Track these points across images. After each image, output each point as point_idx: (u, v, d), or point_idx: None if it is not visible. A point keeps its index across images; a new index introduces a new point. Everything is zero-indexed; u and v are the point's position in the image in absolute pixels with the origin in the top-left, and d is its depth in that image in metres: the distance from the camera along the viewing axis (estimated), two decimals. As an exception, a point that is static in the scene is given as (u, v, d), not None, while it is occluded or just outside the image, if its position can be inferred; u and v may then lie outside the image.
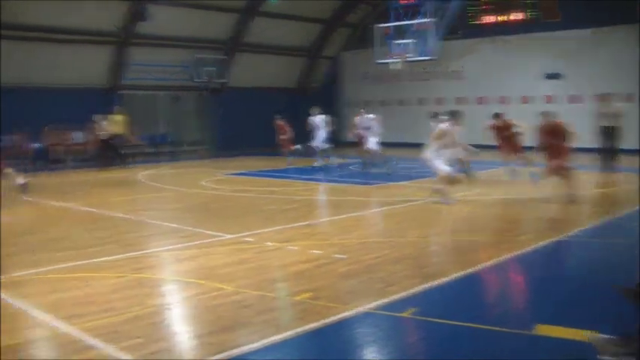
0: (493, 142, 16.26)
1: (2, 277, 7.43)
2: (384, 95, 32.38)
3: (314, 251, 8.54)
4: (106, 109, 24.13)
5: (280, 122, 22.87)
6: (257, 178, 18.53)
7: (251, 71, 30.75)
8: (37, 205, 13.94)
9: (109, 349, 5.09)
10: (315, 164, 20.79)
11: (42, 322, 5.88)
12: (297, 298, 6.48)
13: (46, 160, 24.36)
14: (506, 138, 15.91)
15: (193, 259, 8.48)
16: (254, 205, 13.13)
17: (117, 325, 5.70)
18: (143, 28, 25.98)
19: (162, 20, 25.90)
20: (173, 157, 27.79)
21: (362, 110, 20.79)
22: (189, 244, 9.37)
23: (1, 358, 5.00)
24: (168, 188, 16.50)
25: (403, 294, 6.50)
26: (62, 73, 24.91)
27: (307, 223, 11.18)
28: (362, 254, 8.38)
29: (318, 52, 33.58)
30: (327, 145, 21.37)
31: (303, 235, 9.87)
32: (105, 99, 25.93)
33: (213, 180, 17.88)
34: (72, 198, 14.74)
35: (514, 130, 15.99)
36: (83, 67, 25.63)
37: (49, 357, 5.21)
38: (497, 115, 16.45)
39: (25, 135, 23.64)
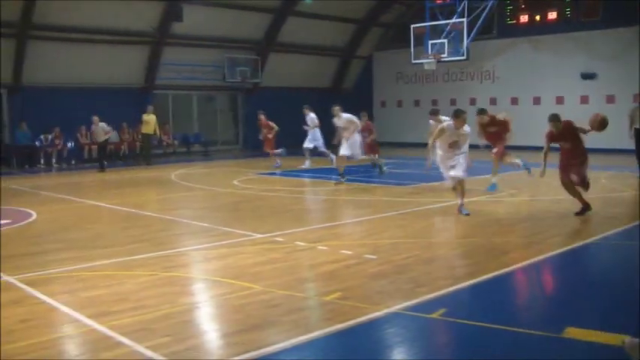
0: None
1: (35, 274, 7.54)
2: (418, 95, 32.24)
3: (344, 251, 8.51)
4: (142, 109, 24.39)
5: (263, 119, 22.00)
6: (288, 177, 18.55)
7: (284, 71, 30.81)
8: (71, 204, 14.11)
9: (138, 347, 5.12)
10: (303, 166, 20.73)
11: (73, 318, 5.94)
12: (327, 298, 6.46)
13: (80, 159, 24.69)
14: (493, 135, 14.41)
15: (223, 258, 8.51)
16: (284, 205, 13.14)
17: (146, 323, 5.73)
18: (178, 28, 26.19)
19: (196, 20, 26.10)
20: (205, 156, 27.95)
21: (364, 114, 20.20)
22: (220, 243, 9.40)
23: (32, 354, 5.06)
24: (199, 187, 16.59)
25: (433, 295, 6.45)
26: (99, 73, 25.22)
27: (337, 223, 11.16)
28: (392, 255, 8.34)
29: (351, 51, 33.50)
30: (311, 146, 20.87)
31: (333, 235, 9.85)
32: (141, 99, 26.21)
33: (245, 179, 17.95)
34: (106, 197, 14.89)
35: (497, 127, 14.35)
36: (119, 67, 25.91)
37: (79, 353, 5.26)
38: (482, 111, 14.66)
39: (61, 134, 24.01)
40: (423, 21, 25.32)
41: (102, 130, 22.50)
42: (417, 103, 31.91)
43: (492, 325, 5.54)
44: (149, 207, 13.35)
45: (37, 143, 23.93)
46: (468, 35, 23.86)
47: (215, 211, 12.82)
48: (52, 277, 7.49)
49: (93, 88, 25.03)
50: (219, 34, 28.06)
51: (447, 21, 24.48)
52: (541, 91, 27.71)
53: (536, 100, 27.67)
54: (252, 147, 29.36)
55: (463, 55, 24.28)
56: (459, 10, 24.17)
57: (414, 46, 25.65)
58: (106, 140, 23.15)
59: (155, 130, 24.44)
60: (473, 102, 28.95)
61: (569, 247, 8.77)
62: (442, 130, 11.55)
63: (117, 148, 25.91)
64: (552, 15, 27.62)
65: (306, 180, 17.89)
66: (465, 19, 23.85)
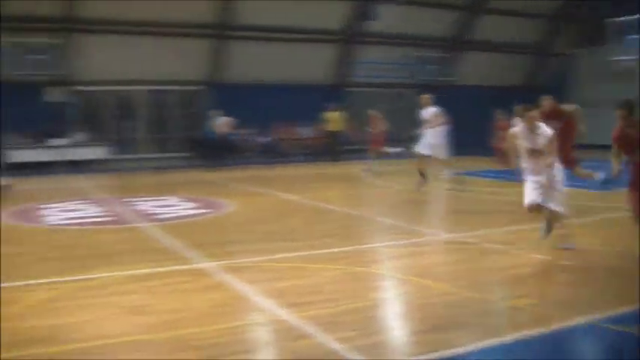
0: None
1: (229, 262, 7.89)
2: (618, 94, 30.30)
3: (537, 256, 8.14)
4: (331, 106, 24.91)
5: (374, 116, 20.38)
6: (480, 178, 18.10)
7: (475, 69, 30.23)
8: (266, 197, 14.70)
9: (324, 339, 5.17)
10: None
11: (262, 307, 6.14)
12: (515, 302, 6.20)
13: (274, 154, 25.65)
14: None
15: (409, 256, 8.45)
16: (475, 205, 12.83)
17: (333, 316, 5.79)
18: (368, 26, 26.51)
19: (385, 18, 26.25)
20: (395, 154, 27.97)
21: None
22: (406, 241, 9.34)
23: (221, 338, 5.27)
24: (388, 185, 16.64)
25: (634, 307, 5.98)
26: (289, 70, 26.09)
27: (531, 226, 10.73)
28: (590, 263, 7.84)
29: (546, 48, 32.19)
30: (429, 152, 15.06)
31: (525, 239, 9.45)
32: (330, 96, 26.79)
33: (434, 178, 17.74)
34: (298, 191, 15.33)
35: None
36: (309, 64, 26.65)
37: (266, 342, 5.43)
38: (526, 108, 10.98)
39: (254, 130, 25.10)
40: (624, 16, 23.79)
41: (224, 123, 23.20)
42: (612, 102, 30.09)
43: None
44: (337, 202, 13.58)
45: (233, 137, 25.18)
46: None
47: (402, 208, 12.80)
48: (245, 266, 7.81)
49: (286, 85, 25.92)
50: (409, 31, 28.02)
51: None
52: None
53: None
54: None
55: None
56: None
57: (612, 42, 24.10)
58: (229, 134, 23.66)
59: (343, 127, 24.80)
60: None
61: None
62: (513, 137, 8.64)
63: (307, 143, 26.60)
64: None
65: (500, 182, 17.37)
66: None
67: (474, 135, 22.10)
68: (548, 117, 10.72)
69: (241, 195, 14.77)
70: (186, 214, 12.27)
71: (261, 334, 5.63)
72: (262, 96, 25.10)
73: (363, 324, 5.60)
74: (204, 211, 12.52)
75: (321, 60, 27.17)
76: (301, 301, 6.24)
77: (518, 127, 8.59)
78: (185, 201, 13.77)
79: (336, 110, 24.67)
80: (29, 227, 11.17)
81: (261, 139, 25.87)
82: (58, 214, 12.29)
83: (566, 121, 11.25)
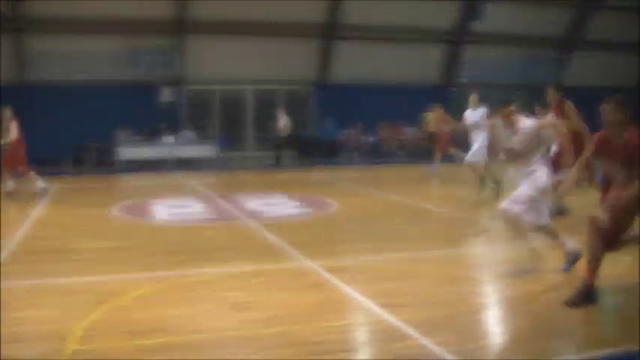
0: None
1: (333, 261, 7.88)
2: None
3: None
4: (433, 106, 24.57)
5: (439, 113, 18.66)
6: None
7: (589, 68, 29.14)
8: (369, 197, 14.67)
9: (426, 341, 5.09)
10: None
11: (364, 307, 6.11)
12: (629, 313, 5.87)
13: (379, 154, 25.57)
14: None
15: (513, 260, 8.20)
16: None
17: (435, 318, 5.70)
18: (476, 25, 26.05)
19: (494, 17, 25.71)
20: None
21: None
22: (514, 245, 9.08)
23: (324, 336, 5.26)
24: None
25: None
26: (396, 70, 25.95)
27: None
28: None
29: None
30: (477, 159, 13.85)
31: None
32: (436, 96, 26.44)
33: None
34: (402, 191, 15.20)
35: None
36: (416, 65, 26.42)
37: (368, 341, 5.42)
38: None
39: (359, 129, 25.09)
40: None
41: (284, 124, 23.15)
42: None
43: None
44: (441, 203, 13.37)
45: (339, 137, 25.27)
46: None
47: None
48: (349, 266, 7.82)
49: (391, 86, 25.79)
50: (519, 31, 27.33)
51: None
52: None
53: None
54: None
55: None
56: None
57: None
58: (287, 134, 23.53)
59: (442, 127, 24.34)
60: None
61: None
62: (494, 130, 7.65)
63: (411, 144, 26.37)
64: None
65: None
66: None
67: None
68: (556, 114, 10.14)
69: (345, 195, 14.78)
70: (290, 212, 12.39)
71: (362, 334, 5.62)
72: (368, 96, 25.08)
73: (465, 328, 5.50)
74: (308, 210, 12.61)
75: (428, 60, 26.92)
76: (403, 302, 6.17)
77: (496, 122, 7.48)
78: (290, 199, 13.89)
79: (436, 110, 24.28)
80: (138, 222, 11.54)
81: (367, 140, 25.87)
82: (165, 210, 12.65)
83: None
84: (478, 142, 13.51)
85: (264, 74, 25.44)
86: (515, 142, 7.03)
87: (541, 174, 7.00)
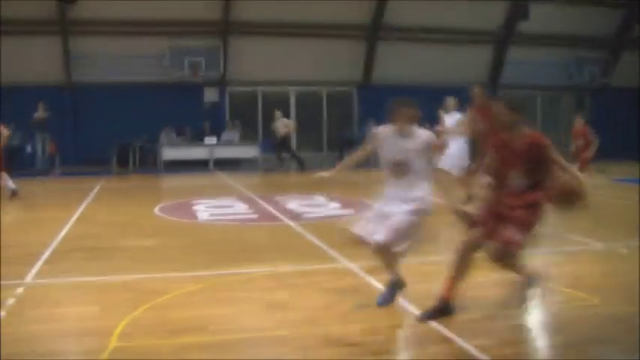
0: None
1: (372, 262, 7.83)
2: None
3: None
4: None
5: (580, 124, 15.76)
6: (632, 184, 17.04)
7: (632, 70, 28.58)
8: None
9: (465, 345, 5.04)
10: None
11: (404, 309, 6.08)
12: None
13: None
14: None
15: (560, 265, 8.09)
16: (625, 214, 12.08)
17: (475, 322, 5.64)
18: (523, 26, 25.76)
19: (541, 18, 25.41)
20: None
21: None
22: (557, 249, 8.95)
23: (365, 337, 5.25)
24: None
25: None
26: (441, 71, 25.77)
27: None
28: None
29: None
30: None
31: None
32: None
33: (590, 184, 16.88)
34: (439, 193, 14.98)
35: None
36: (461, 66, 26.22)
37: (407, 343, 5.43)
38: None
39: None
40: None
41: (282, 124, 23.00)
42: None
43: None
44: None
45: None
46: None
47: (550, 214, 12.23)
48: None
49: (435, 87, 25.61)
50: (567, 31, 26.95)
51: None
52: None
53: None
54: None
55: None
56: None
57: None
58: (287, 135, 23.43)
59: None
60: None
61: None
62: (376, 140, 6.64)
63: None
64: None
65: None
66: None
67: (624, 139, 20.86)
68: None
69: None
70: (331, 213, 12.40)
71: (404, 335, 5.61)
72: (412, 97, 24.93)
73: (506, 333, 5.43)
74: (349, 211, 12.57)
75: (473, 61, 26.68)
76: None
77: (382, 130, 6.62)
78: (331, 200, 13.88)
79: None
80: (180, 222, 11.66)
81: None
82: (207, 210, 12.78)
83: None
84: (455, 149, 12.56)
85: (307, 75, 25.54)
86: (411, 153, 6.37)
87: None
